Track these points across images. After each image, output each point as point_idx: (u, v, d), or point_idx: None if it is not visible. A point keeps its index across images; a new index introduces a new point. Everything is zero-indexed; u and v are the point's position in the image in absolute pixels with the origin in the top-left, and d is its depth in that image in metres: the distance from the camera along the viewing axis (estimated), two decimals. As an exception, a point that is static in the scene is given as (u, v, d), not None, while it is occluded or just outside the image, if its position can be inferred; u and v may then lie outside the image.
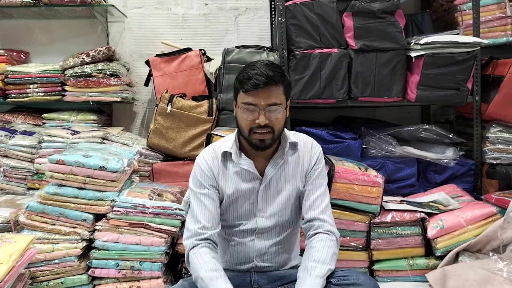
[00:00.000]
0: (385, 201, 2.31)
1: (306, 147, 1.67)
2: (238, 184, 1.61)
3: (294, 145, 1.64)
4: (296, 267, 1.73)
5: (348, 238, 2.22)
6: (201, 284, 1.44)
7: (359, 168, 2.26)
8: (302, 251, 1.86)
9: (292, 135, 1.66)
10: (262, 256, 1.66)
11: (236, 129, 1.63)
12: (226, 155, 1.62)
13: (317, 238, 1.56)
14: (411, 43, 2.49)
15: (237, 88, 1.55)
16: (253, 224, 1.64)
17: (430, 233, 2.16)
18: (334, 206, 2.15)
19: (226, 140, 1.67)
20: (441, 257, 2.16)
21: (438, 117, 3.15)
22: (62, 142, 2.56)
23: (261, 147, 1.54)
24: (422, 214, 2.22)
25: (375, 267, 2.21)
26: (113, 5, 2.85)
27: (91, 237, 2.06)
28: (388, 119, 3.10)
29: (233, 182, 1.61)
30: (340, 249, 2.16)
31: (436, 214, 2.24)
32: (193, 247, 1.52)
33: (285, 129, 1.64)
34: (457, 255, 2.14)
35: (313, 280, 1.44)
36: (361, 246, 2.22)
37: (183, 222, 2.06)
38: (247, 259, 1.67)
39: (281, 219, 1.65)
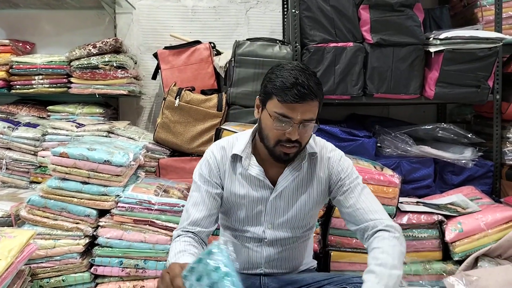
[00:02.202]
0: (401, 203, 2.22)
1: (324, 156, 1.53)
2: (246, 189, 1.50)
3: (312, 155, 1.51)
4: (308, 270, 1.65)
5: (361, 240, 2.13)
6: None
7: (375, 167, 2.17)
8: (313, 253, 1.79)
9: (312, 143, 1.51)
10: (271, 263, 1.57)
11: (252, 130, 1.51)
12: (236, 158, 1.50)
13: (379, 237, 1.37)
14: (430, 38, 2.40)
15: (271, 93, 1.36)
16: (260, 233, 1.53)
17: (448, 236, 2.07)
18: (348, 206, 2.07)
19: (239, 140, 1.53)
20: (459, 262, 2.07)
21: (455, 116, 3.06)
22: (67, 135, 2.50)
23: (284, 160, 1.42)
24: (440, 217, 2.13)
25: (390, 271, 2.12)
26: (121, -4, 2.79)
27: (94, 233, 1.99)
28: (403, 118, 3.02)
29: (240, 186, 1.50)
30: (352, 252, 2.13)
31: (454, 216, 2.14)
32: (177, 237, 1.43)
33: None
34: (476, 260, 2.04)
35: None
36: (375, 249, 2.13)
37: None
38: (255, 264, 1.57)
39: (293, 231, 1.55)
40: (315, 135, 1.59)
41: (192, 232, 1.44)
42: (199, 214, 1.46)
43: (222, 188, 1.52)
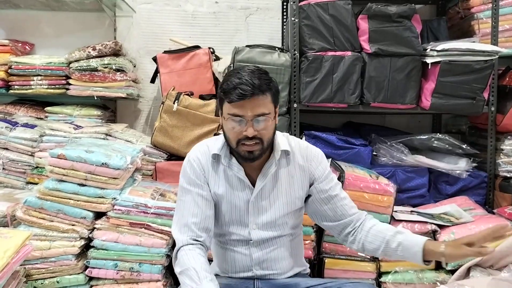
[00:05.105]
0: (395, 211, 2.23)
1: (301, 153, 1.58)
2: (228, 190, 1.54)
3: (286, 153, 1.56)
4: (300, 274, 1.67)
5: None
6: (191, 274, 1.35)
7: (370, 176, 2.19)
8: (306, 259, 1.80)
9: (285, 141, 1.57)
10: (261, 264, 1.58)
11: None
12: (217, 157, 1.55)
13: (372, 225, 1.55)
14: (427, 49, 2.42)
15: (222, 98, 1.46)
16: (246, 235, 1.56)
17: (441, 246, 2.09)
18: (343, 214, 2.09)
19: (217, 140, 1.58)
20: (451, 272, 2.09)
21: (450, 127, 3.08)
22: (64, 137, 2.51)
23: (250, 158, 1.47)
24: (434, 226, 2.15)
25: (383, 279, 2.14)
26: (122, -1, 2.80)
27: (90, 235, 2.00)
28: (399, 127, 3.03)
29: (223, 187, 1.54)
30: (347, 260, 2.14)
31: (448, 226, 2.16)
32: (186, 245, 1.45)
33: (278, 134, 1.57)
34: (468, 270, 2.06)
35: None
36: (369, 257, 2.15)
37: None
38: (245, 267, 1.59)
39: (278, 229, 1.57)
40: (289, 134, 1.64)
41: (199, 242, 1.46)
42: (196, 219, 1.48)
43: (210, 188, 1.55)
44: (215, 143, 1.57)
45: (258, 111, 1.41)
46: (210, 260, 1.76)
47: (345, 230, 1.57)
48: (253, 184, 1.54)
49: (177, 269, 1.42)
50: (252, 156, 1.46)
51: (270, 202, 1.55)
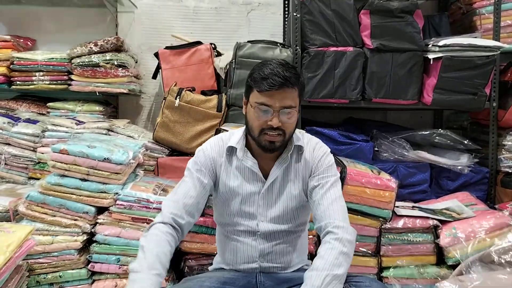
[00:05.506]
0: (397, 207, 2.23)
1: (309, 149, 1.60)
2: (240, 182, 1.57)
3: (299, 149, 1.59)
4: (303, 269, 1.67)
5: (357, 243, 2.14)
6: (147, 256, 1.36)
7: (372, 171, 2.19)
8: (308, 254, 1.80)
9: (300, 137, 1.60)
10: (266, 256, 1.60)
11: (244, 126, 1.58)
12: (232, 150, 1.58)
13: (322, 242, 1.43)
14: (429, 44, 2.42)
15: (251, 86, 1.49)
16: (254, 226, 1.58)
17: (443, 241, 2.09)
18: (344, 209, 2.09)
19: (235, 134, 1.62)
20: (453, 267, 2.09)
21: (451, 122, 3.09)
22: (66, 132, 2.52)
23: (270, 148, 1.49)
24: (435, 221, 2.15)
25: (384, 274, 2.14)
26: (123, -5, 2.81)
27: (92, 230, 2.00)
28: (400, 123, 3.03)
29: (235, 179, 1.57)
30: (349, 254, 2.13)
31: (449, 221, 2.16)
32: (164, 223, 1.45)
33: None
34: (469, 266, 2.06)
35: None
36: (370, 252, 2.15)
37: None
38: (250, 258, 1.60)
39: (285, 223, 1.59)
40: (304, 131, 1.63)
41: (178, 224, 1.47)
42: (188, 200, 1.50)
43: (215, 182, 1.58)
44: (232, 137, 1.60)
45: (286, 103, 1.44)
46: (213, 255, 1.78)
47: (321, 236, 1.50)
48: (265, 177, 1.57)
49: (142, 240, 1.43)
50: (273, 147, 1.48)
51: (279, 195, 1.58)
